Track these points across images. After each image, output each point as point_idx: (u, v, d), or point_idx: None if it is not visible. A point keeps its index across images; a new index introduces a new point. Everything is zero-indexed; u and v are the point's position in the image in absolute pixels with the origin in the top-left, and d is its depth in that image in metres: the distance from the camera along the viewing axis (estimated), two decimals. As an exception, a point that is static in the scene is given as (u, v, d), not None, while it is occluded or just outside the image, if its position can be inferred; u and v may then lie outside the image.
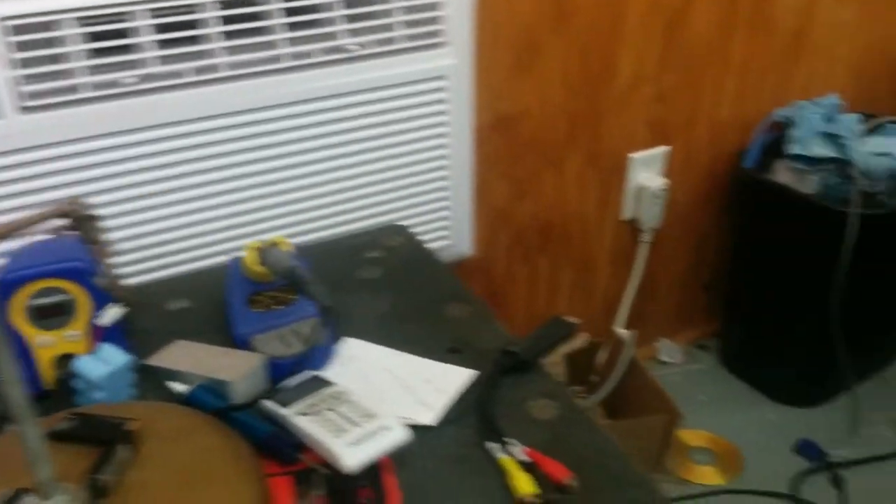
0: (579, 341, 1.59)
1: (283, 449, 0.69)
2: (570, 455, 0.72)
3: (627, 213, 1.70)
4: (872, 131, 1.65)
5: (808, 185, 1.61)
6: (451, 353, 0.86)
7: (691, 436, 1.78)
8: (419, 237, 1.30)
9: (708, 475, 1.69)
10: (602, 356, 1.66)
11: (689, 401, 1.90)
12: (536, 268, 1.64)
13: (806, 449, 1.74)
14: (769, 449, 1.75)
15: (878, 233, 1.55)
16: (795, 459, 1.73)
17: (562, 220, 1.61)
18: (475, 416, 0.77)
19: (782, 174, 1.65)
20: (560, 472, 0.68)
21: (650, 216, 1.69)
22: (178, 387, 0.76)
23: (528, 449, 0.71)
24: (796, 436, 1.77)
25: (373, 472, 0.70)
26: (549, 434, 0.75)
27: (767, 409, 1.87)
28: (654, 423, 1.44)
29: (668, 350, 2.02)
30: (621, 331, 1.75)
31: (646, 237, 1.73)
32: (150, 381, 0.80)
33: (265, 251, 0.81)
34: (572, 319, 0.89)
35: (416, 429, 0.75)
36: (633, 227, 1.74)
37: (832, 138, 1.60)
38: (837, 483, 1.66)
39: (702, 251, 1.90)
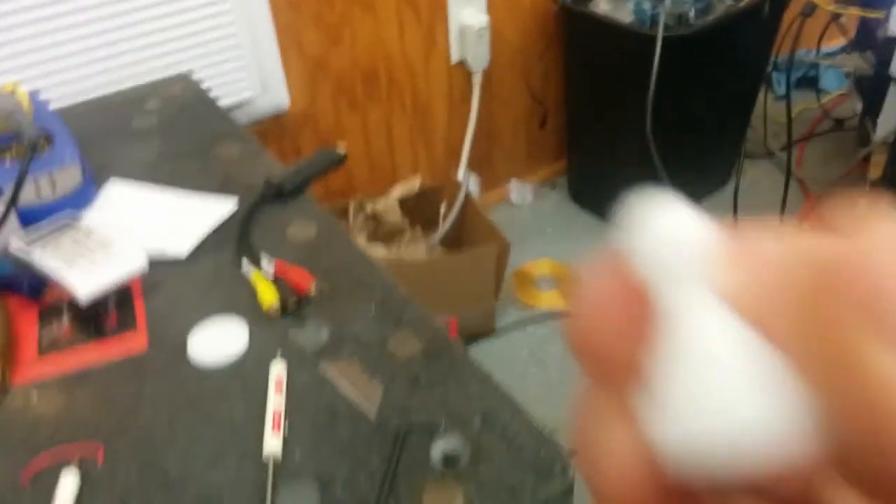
0: (412, 186, 1.62)
1: (24, 286, 0.70)
2: (322, 268, 0.76)
3: (455, 55, 1.70)
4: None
5: (625, 12, 1.64)
6: (220, 188, 0.88)
7: (536, 266, 1.87)
8: (217, 90, 1.28)
9: (551, 299, 1.80)
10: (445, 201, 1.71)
11: (537, 235, 1.99)
12: (367, 117, 1.65)
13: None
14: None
15: (687, 53, 1.60)
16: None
17: (386, 65, 1.60)
18: (235, 242, 0.80)
19: (602, 4, 1.67)
20: (303, 279, 0.72)
21: (477, 57, 1.70)
22: (-76, 242, 0.75)
23: (277, 263, 0.75)
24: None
25: (122, 298, 0.72)
26: (305, 252, 0.78)
27: (608, 234, 1.97)
28: (484, 253, 1.51)
29: (519, 190, 2.08)
30: (459, 174, 1.79)
31: (477, 79, 1.75)
32: None
33: (-5, 99, 0.79)
34: (340, 149, 0.91)
35: (173, 257, 0.77)
36: (464, 69, 1.74)
37: (645, -38, 1.62)
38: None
39: (537, 90, 1.93)
